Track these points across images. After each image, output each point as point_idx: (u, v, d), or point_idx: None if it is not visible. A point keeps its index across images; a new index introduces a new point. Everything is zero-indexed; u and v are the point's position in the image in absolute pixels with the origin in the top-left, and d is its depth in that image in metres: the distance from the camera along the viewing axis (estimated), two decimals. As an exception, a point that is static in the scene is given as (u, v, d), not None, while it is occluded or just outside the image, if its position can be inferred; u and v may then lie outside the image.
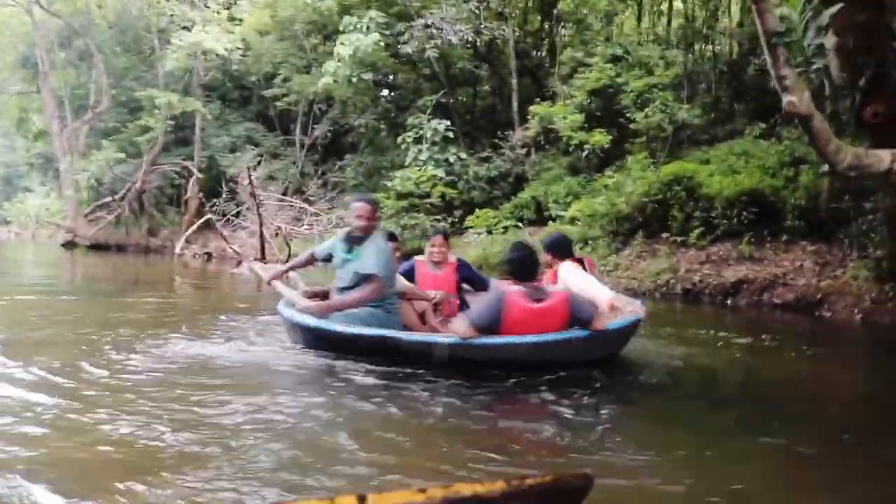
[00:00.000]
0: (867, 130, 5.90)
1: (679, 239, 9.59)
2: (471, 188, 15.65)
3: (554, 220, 12.53)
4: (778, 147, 10.16)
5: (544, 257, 4.69)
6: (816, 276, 8.11)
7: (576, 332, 3.80)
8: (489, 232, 13.22)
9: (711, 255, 9.14)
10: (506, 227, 13.21)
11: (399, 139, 16.72)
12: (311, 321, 4.08)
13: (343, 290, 4.26)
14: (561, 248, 4.64)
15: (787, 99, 3.81)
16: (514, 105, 16.51)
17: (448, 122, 16.13)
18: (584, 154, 13.80)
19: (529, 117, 15.17)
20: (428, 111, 16.62)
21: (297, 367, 3.98)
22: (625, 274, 9.62)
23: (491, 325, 3.63)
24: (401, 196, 15.00)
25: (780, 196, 8.99)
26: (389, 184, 15.39)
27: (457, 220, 15.00)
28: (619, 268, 9.82)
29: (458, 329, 3.66)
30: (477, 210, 14.36)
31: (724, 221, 9.19)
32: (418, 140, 16.08)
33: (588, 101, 14.23)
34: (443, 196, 14.97)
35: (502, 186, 15.84)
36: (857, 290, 7.41)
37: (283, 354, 4.25)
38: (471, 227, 13.79)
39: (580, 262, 4.61)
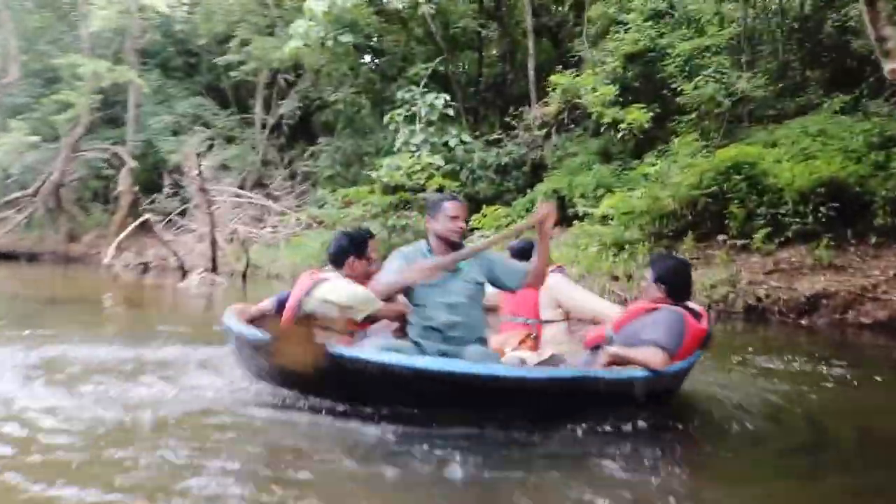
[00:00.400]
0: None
1: (739, 242, 9.62)
2: (476, 179, 15.61)
3: (581, 218, 12.48)
4: (865, 125, 10.16)
5: None
6: (916, 288, 8.08)
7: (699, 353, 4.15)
8: (500, 234, 13.15)
9: (781, 263, 9.13)
10: (520, 229, 13.14)
11: (386, 118, 16.68)
12: (447, 366, 3.49)
13: (455, 307, 4.13)
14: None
15: (890, 66, 3.78)
16: (531, 74, 16.50)
17: (447, 97, 16.10)
18: (619, 135, 13.75)
19: (549, 90, 15.12)
20: (422, 83, 16.58)
21: (258, 411, 3.87)
22: (672, 286, 9.56)
23: (676, 351, 3.83)
24: (388, 190, 14.94)
25: (868, 187, 8.98)
26: (374, 174, 15.34)
27: (459, 219, 14.91)
28: (664, 279, 9.77)
29: (653, 359, 3.70)
30: (484, 206, 14.35)
31: (797, 220, 9.22)
32: (410, 119, 16.04)
33: (623, 68, 14.23)
34: (441, 189, 14.91)
35: (515, 177, 15.83)
36: (969, 306, 7.39)
37: (239, 395, 4.16)
38: (477, 229, 13.72)
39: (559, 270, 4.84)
